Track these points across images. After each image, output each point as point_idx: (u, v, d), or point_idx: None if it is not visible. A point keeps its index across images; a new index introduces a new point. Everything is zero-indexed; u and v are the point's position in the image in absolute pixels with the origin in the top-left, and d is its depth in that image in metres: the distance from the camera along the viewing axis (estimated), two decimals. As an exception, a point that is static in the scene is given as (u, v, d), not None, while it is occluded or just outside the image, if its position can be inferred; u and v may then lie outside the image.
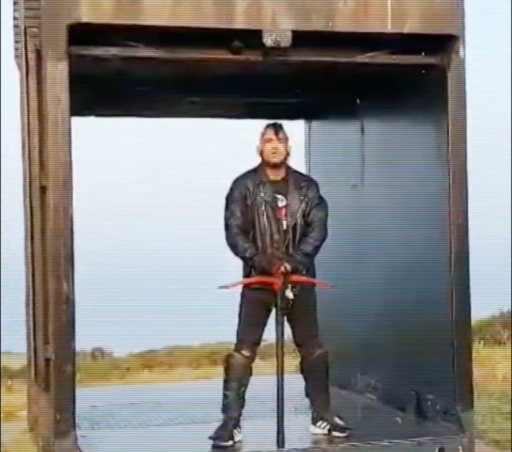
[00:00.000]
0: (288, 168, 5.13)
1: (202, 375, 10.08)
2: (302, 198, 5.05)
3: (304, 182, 5.12)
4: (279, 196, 5.03)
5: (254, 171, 5.11)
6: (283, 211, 5.02)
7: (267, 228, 5.00)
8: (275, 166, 5.06)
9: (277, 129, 5.06)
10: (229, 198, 5.05)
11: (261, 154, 5.08)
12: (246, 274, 5.06)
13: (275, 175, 5.07)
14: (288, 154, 5.09)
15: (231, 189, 5.06)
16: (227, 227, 5.01)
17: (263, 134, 5.08)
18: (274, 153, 5.03)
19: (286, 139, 5.08)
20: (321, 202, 5.11)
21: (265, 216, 5.00)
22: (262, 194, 5.00)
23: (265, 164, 5.08)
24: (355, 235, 6.32)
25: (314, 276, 5.15)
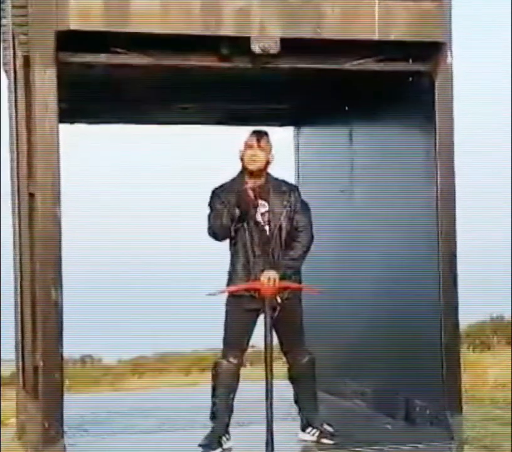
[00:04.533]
0: (268, 175, 5.08)
1: (192, 381, 10.07)
2: (284, 202, 5.03)
3: (285, 187, 5.09)
4: (261, 202, 5.03)
5: (233, 179, 5.07)
6: (266, 217, 5.01)
7: (249, 234, 4.99)
8: (254, 174, 5.03)
9: (260, 136, 5.02)
10: (209, 213, 5.01)
11: (241, 159, 5.06)
12: (230, 281, 5.05)
13: (254, 181, 5.04)
14: (268, 162, 5.04)
15: (211, 201, 5.03)
16: (209, 229, 4.99)
17: (246, 140, 5.05)
18: (253, 160, 4.99)
19: (268, 148, 5.03)
20: (304, 207, 5.09)
21: (246, 223, 4.98)
22: (242, 201, 4.96)
23: (244, 170, 5.06)
24: (344, 240, 6.32)
25: (300, 282, 5.15)
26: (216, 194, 5.04)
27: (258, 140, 5.00)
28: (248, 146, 5.02)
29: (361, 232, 6.13)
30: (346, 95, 6.17)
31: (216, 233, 4.99)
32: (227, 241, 5.07)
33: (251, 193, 4.98)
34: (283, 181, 5.16)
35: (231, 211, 4.92)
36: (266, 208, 5.01)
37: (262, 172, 5.04)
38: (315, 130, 7.10)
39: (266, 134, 5.08)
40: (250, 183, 5.04)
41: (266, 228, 5.00)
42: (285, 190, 5.06)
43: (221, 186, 5.08)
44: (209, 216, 5.02)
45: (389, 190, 5.78)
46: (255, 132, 5.07)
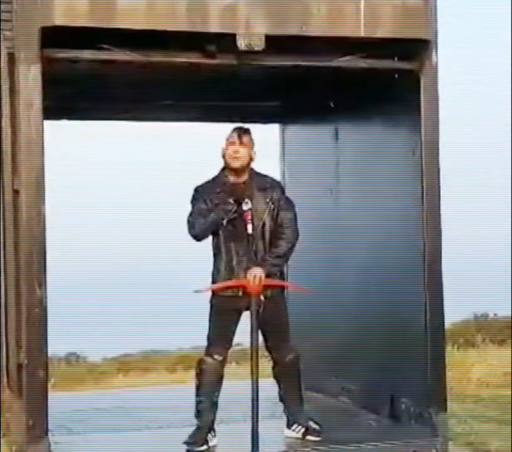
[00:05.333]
0: (251, 171, 5.06)
1: (177, 379, 10.05)
2: (267, 200, 5.01)
3: (268, 183, 5.06)
4: (244, 200, 4.98)
5: (215, 177, 5.05)
6: (249, 215, 4.99)
7: (232, 233, 4.95)
8: (237, 170, 5.01)
9: (241, 132, 4.98)
10: (191, 211, 4.97)
11: (223, 156, 5.03)
12: (214, 281, 5.04)
13: (237, 178, 5.03)
14: (251, 159, 5.01)
15: (193, 200, 5.00)
16: (190, 226, 4.96)
17: (228, 137, 5.01)
18: (235, 157, 4.95)
19: (251, 144, 5.00)
20: (288, 203, 5.07)
21: (230, 221, 4.95)
22: (225, 199, 4.94)
23: (227, 167, 5.04)
24: (330, 239, 6.32)
25: (284, 280, 5.15)
26: (198, 192, 5.03)
27: (240, 137, 4.97)
28: (229, 143, 4.99)
29: (347, 231, 6.13)
30: (331, 93, 6.17)
31: (196, 230, 4.94)
32: (209, 240, 5.05)
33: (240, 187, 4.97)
34: (266, 177, 5.14)
35: (225, 205, 4.89)
36: (249, 206, 4.98)
37: (245, 169, 5.02)
38: (301, 128, 7.10)
39: (247, 130, 5.04)
40: (233, 180, 5.03)
41: (249, 226, 4.98)
42: (267, 187, 5.04)
43: (204, 184, 5.06)
44: (191, 213, 5.00)
45: (375, 189, 5.79)
46: (236, 129, 5.03)
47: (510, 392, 6.75)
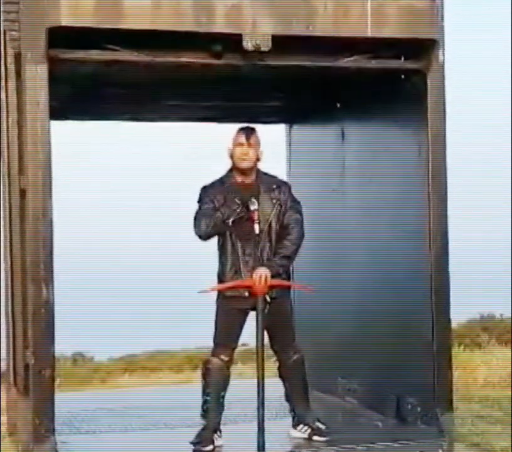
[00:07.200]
0: (258, 171, 5.07)
1: (183, 379, 10.07)
2: (274, 200, 5.01)
3: (275, 184, 5.07)
4: (251, 200, 4.99)
5: (223, 177, 5.06)
6: (255, 215, 4.98)
7: (238, 233, 4.95)
8: (245, 171, 5.02)
9: (249, 133, 4.98)
10: (197, 209, 4.98)
11: (231, 157, 5.05)
12: (220, 282, 5.04)
13: (244, 179, 5.04)
14: (258, 159, 5.02)
15: (200, 199, 5.01)
16: (196, 226, 4.96)
17: (234, 138, 5.01)
18: (244, 159, 4.96)
19: (257, 144, 5.00)
20: (295, 203, 5.07)
21: (235, 221, 4.95)
22: (232, 199, 4.94)
23: (234, 167, 5.05)
24: (335, 239, 6.32)
25: (289, 280, 5.15)
26: (206, 191, 5.03)
27: (248, 138, 4.98)
28: (237, 144, 5.00)
29: (353, 231, 6.13)
30: (338, 92, 6.17)
31: (202, 230, 4.94)
32: (215, 240, 5.06)
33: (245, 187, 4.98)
34: (273, 177, 5.14)
35: (231, 205, 4.90)
36: (256, 207, 4.99)
37: (253, 169, 5.03)
38: (308, 128, 7.10)
39: (254, 130, 5.04)
40: (240, 179, 5.03)
41: (256, 226, 4.98)
42: (275, 187, 5.04)
43: (211, 184, 5.07)
44: (197, 213, 5.00)
45: (381, 189, 5.78)
46: (243, 129, 5.03)
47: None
